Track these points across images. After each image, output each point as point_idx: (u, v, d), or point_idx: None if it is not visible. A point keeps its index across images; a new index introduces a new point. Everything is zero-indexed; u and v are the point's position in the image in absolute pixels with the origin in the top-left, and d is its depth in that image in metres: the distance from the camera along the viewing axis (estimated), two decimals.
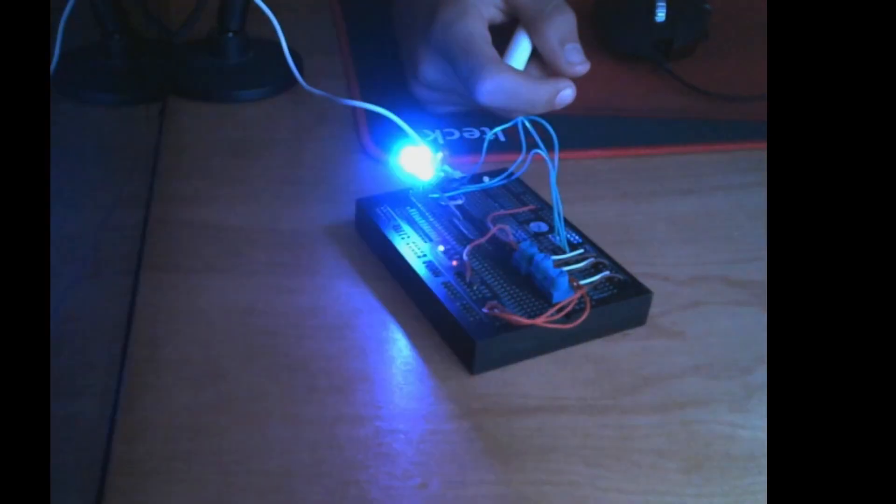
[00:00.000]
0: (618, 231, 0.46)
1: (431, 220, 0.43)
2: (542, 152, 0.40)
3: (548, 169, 0.40)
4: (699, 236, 0.46)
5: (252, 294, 0.41)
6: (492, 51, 0.47)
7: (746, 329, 0.40)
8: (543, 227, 0.43)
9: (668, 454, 0.34)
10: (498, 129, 0.46)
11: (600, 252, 0.41)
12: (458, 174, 0.45)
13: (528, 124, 0.42)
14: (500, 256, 0.40)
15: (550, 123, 0.42)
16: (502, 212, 0.44)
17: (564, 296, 0.38)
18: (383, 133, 0.51)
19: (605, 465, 0.34)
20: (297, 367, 0.37)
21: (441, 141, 0.53)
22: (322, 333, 0.39)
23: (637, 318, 0.40)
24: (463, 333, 0.37)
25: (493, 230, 0.41)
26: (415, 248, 0.41)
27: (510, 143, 0.50)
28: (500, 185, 0.46)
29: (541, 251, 0.39)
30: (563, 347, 0.38)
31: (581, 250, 0.41)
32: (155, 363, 0.37)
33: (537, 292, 0.38)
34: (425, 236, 0.42)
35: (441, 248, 0.41)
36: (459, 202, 0.44)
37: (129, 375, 0.36)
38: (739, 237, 0.46)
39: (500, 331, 0.36)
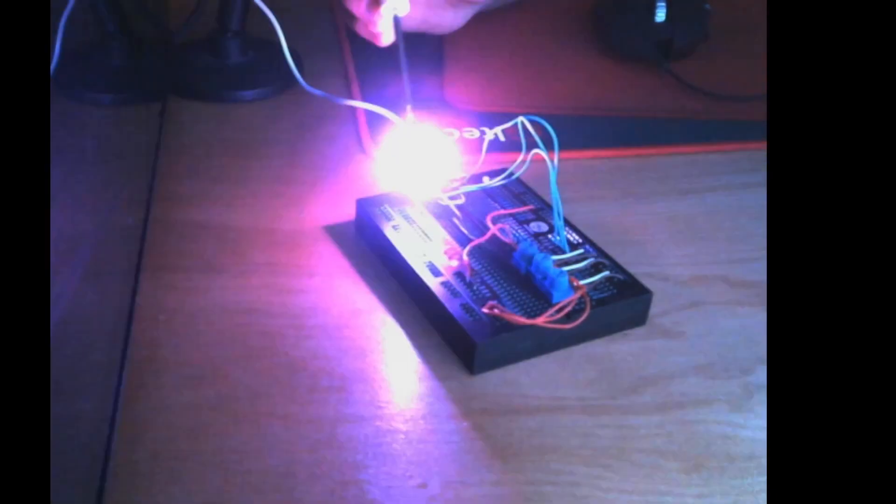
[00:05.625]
0: (618, 231, 0.46)
1: (431, 220, 0.43)
2: (543, 152, 0.40)
3: (548, 169, 0.40)
4: (699, 236, 0.46)
5: (252, 294, 0.41)
6: None
7: (746, 329, 0.40)
8: (543, 227, 0.43)
9: (668, 454, 0.34)
10: (498, 128, 0.46)
11: (600, 252, 0.41)
12: (457, 174, 0.45)
13: (528, 124, 0.42)
14: (500, 256, 0.40)
15: (550, 123, 0.42)
16: (502, 212, 0.44)
17: (564, 296, 0.38)
18: (383, 133, 0.51)
19: (605, 465, 0.34)
20: (297, 367, 0.37)
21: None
22: (322, 333, 0.39)
23: (637, 318, 0.40)
24: (463, 333, 0.37)
25: (493, 230, 0.41)
26: (415, 248, 0.41)
27: (510, 143, 0.50)
28: (500, 185, 0.46)
29: (541, 251, 0.39)
30: (563, 347, 0.38)
31: (581, 250, 0.41)
32: (155, 363, 0.37)
33: (537, 292, 0.38)
34: (425, 236, 0.42)
35: (441, 248, 0.41)
36: (459, 202, 0.44)
37: (129, 375, 0.36)
38: (739, 237, 0.46)
39: (500, 331, 0.36)
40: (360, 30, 0.54)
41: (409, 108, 0.46)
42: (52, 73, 0.49)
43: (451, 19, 0.61)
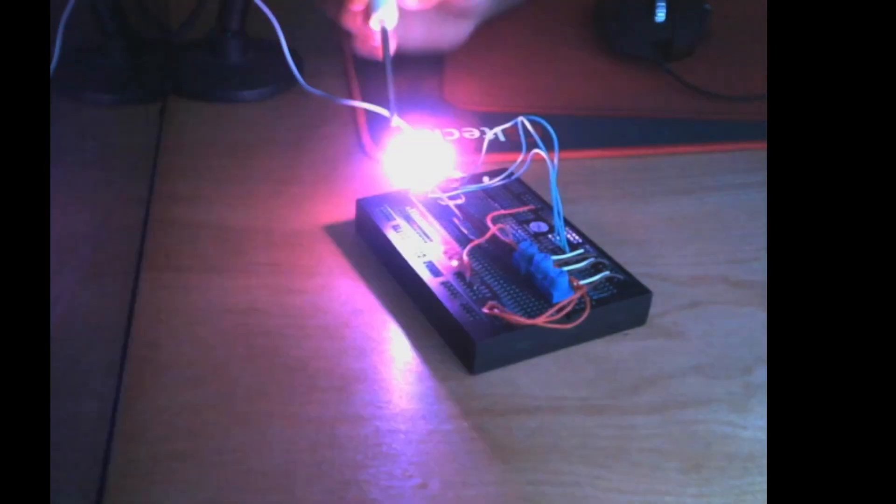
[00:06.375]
0: (618, 231, 0.46)
1: (431, 220, 0.43)
2: (543, 152, 0.40)
3: (548, 169, 0.40)
4: (699, 236, 0.46)
5: (252, 294, 0.41)
6: None
7: (746, 329, 0.40)
8: (543, 227, 0.43)
9: (668, 454, 0.34)
10: (498, 129, 0.46)
11: (600, 252, 0.41)
12: (457, 174, 0.45)
13: (528, 124, 0.42)
14: (500, 256, 0.40)
15: (550, 123, 0.42)
16: (502, 212, 0.44)
17: (564, 296, 0.38)
18: (383, 133, 0.51)
19: (605, 465, 0.34)
20: (297, 367, 0.37)
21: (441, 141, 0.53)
22: (322, 333, 0.39)
23: (637, 318, 0.40)
24: (463, 333, 0.37)
25: (493, 230, 0.41)
26: (415, 248, 0.41)
27: (510, 143, 0.50)
28: (500, 185, 0.46)
29: (541, 251, 0.39)
30: (563, 347, 0.38)
31: (581, 250, 0.41)
32: (155, 363, 0.37)
33: (537, 292, 0.38)
34: (425, 236, 0.42)
35: (441, 248, 0.41)
36: (459, 202, 0.44)
37: (129, 375, 0.36)
38: (739, 237, 0.46)
39: (500, 331, 0.36)
40: (361, 46, 0.55)
41: (394, 116, 0.47)
42: (52, 73, 0.49)
43: (452, 34, 0.60)
